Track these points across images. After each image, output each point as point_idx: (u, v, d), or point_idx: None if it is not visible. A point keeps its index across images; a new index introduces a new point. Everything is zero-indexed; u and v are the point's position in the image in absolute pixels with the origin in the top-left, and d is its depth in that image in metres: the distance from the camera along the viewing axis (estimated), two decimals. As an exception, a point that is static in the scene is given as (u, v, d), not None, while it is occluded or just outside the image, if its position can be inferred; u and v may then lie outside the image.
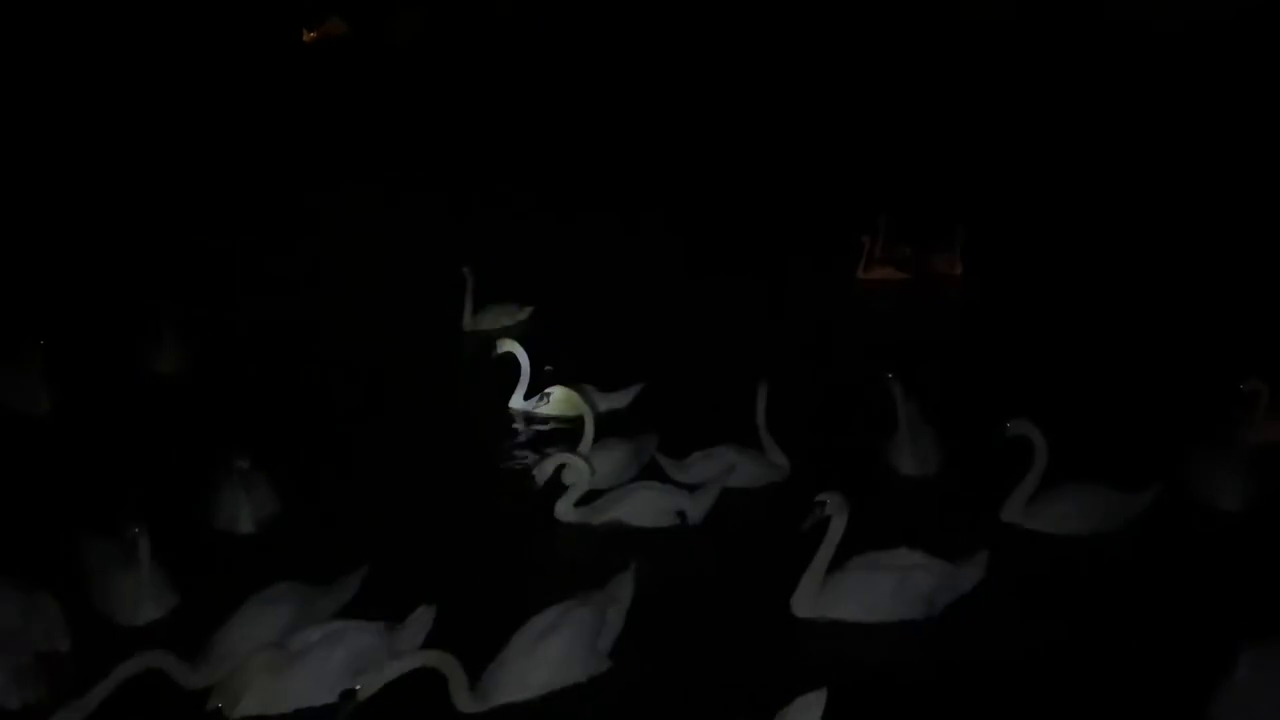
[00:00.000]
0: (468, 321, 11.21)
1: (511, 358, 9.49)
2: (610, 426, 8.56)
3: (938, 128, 18.39)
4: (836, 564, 6.48)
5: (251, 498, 7.21)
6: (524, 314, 11.34)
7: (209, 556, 6.88)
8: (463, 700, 5.54)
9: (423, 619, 6.00)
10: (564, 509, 7.57)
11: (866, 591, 6.41)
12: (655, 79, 20.26)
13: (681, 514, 7.55)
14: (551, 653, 5.80)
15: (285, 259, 13.26)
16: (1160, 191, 15.46)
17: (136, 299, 11.02)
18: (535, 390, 9.43)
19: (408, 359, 10.51)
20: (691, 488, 7.80)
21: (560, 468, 7.61)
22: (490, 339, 9.79)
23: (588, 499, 7.62)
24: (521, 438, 9.03)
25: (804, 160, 17.37)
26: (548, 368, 9.56)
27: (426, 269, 12.60)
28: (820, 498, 6.46)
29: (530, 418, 9.37)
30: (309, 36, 20.52)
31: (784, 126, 18.83)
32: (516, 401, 9.50)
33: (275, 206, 15.16)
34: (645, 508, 7.57)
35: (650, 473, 8.06)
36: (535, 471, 7.45)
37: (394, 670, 5.29)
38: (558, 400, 8.93)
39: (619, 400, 9.44)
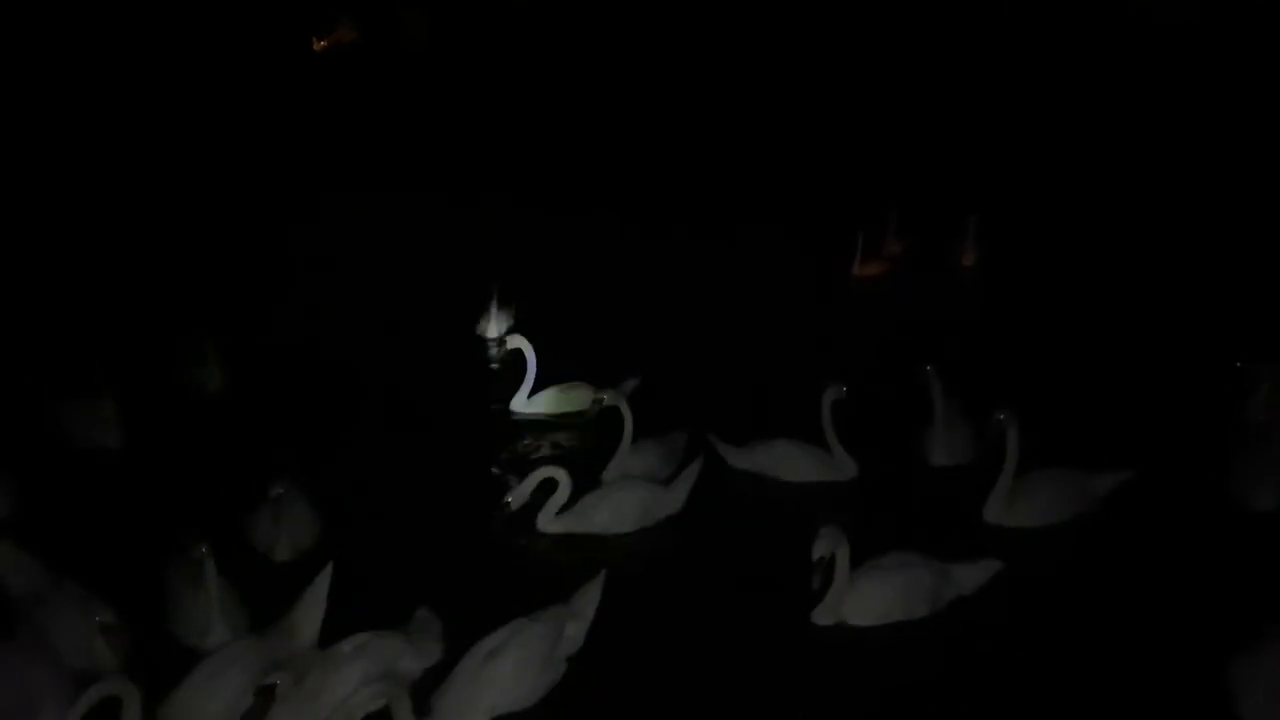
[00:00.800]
0: (491, 330, 11.22)
1: (519, 355, 9.46)
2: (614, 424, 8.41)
3: (947, 119, 18.43)
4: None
5: (288, 523, 7.15)
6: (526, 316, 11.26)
7: (269, 578, 6.89)
8: None
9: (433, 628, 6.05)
10: (546, 520, 7.47)
11: (881, 597, 6.46)
12: (656, 73, 20.27)
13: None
14: (498, 675, 5.63)
15: (307, 271, 13.25)
16: (1175, 179, 15.43)
17: (171, 320, 11.03)
18: (540, 389, 9.43)
19: (432, 367, 10.52)
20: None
21: (542, 483, 7.38)
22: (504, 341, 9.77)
23: (567, 505, 7.51)
24: (529, 440, 9.00)
25: (810, 152, 17.40)
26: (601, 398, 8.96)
27: (447, 274, 12.66)
28: (818, 553, 6.28)
29: (535, 419, 9.37)
30: (319, 45, 20.77)
31: (789, 119, 18.87)
32: (519, 402, 9.46)
33: (292, 217, 15.29)
34: (628, 510, 7.55)
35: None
36: (511, 496, 7.21)
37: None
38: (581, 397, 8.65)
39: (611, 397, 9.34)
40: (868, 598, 6.46)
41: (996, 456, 7.51)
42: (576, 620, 6.07)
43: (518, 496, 7.24)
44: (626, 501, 7.59)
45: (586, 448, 8.77)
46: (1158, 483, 7.82)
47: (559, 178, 16.63)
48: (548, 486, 7.49)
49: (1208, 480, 7.88)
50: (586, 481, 7.88)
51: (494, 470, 8.54)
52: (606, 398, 8.32)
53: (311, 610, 6.02)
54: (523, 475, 7.65)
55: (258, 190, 16.06)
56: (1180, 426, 8.82)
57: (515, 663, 5.69)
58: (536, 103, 19.54)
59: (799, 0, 21.19)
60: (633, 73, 20.03)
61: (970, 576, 6.70)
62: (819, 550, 6.29)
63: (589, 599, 6.18)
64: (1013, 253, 13.34)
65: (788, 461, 8.18)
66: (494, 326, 11.27)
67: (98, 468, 8.43)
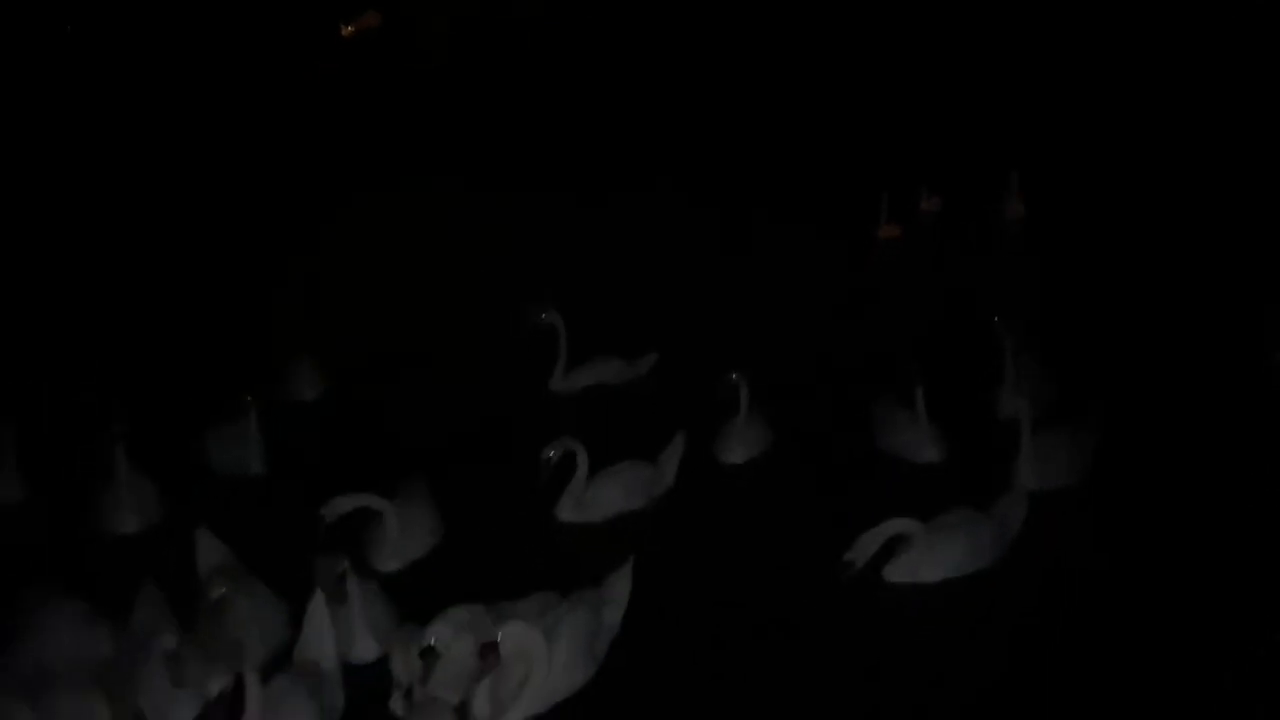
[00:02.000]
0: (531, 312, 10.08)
1: (551, 328, 9.33)
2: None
3: (976, 71, 17.99)
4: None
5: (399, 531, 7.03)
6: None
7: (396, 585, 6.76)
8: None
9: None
10: (568, 508, 7.44)
11: (954, 552, 6.65)
12: (671, 40, 19.86)
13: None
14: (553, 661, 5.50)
15: (340, 273, 12.94)
16: (1227, 135, 14.95)
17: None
18: (575, 364, 9.36)
19: (477, 353, 10.41)
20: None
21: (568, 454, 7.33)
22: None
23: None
24: (571, 418, 8.77)
25: (828, 119, 17.04)
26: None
27: (478, 262, 12.55)
28: (848, 556, 6.35)
29: (576, 395, 9.26)
30: (347, 30, 20.72)
31: (807, 82, 18.44)
32: (558, 381, 9.35)
33: (322, 215, 15.01)
34: (638, 487, 7.55)
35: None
36: (549, 451, 7.23)
37: None
38: None
39: (639, 369, 9.46)
40: (942, 554, 6.63)
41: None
42: (611, 605, 6.00)
43: (559, 447, 7.26)
44: (634, 479, 7.56)
45: (626, 423, 8.68)
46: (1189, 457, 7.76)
47: (581, 162, 16.32)
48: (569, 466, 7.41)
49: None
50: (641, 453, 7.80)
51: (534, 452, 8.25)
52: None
53: (322, 642, 5.83)
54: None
55: (286, 193, 15.71)
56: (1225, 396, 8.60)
57: (564, 650, 5.58)
58: (552, 92, 19.22)
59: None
60: (646, 47, 19.61)
61: (1014, 514, 6.91)
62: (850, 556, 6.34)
63: (621, 585, 6.11)
64: (1059, 206, 12.96)
65: (887, 431, 8.12)
66: (533, 309, 10.94)
67: (244, 492, 8.23)
